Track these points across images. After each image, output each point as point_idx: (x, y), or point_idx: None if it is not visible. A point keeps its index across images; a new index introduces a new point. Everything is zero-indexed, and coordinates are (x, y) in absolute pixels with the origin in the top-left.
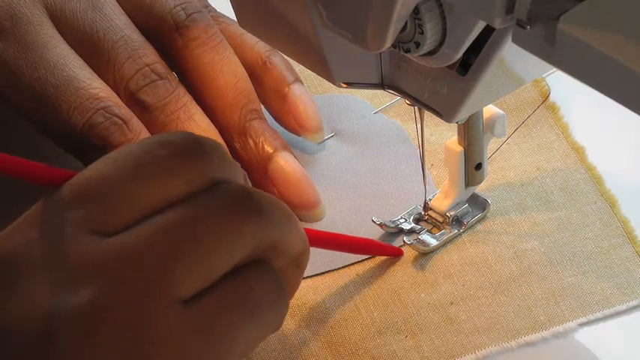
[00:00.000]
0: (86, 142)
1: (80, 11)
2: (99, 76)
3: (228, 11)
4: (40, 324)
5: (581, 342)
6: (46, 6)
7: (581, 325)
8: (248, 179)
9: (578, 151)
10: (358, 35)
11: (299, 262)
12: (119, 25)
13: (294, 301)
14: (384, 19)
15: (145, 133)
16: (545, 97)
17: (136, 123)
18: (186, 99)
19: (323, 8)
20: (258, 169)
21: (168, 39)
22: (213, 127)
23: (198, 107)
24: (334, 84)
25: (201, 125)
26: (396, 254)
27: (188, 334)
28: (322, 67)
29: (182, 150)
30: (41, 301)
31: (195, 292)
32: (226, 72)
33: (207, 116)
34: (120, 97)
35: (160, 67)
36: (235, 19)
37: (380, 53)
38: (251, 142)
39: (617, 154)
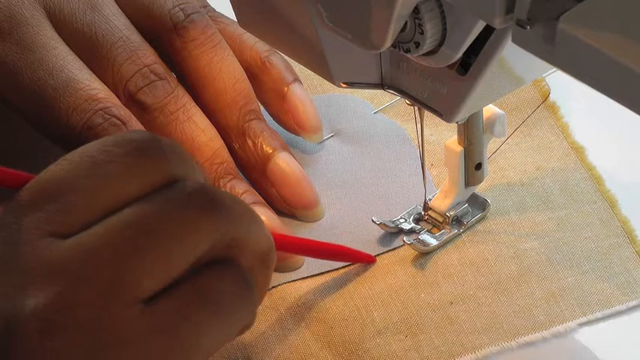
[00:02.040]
0: (85, 143)
1: (79, 12)
2: (98, 77)
3: (228, 11)
4: None
5: (581, 342)
6: (45, 7)
7: (581, 325)
8: (208, 179)
9: (578, 150)
10: (358, 35)
11: (265, 260)
12: (118, 25)
13: (294, 301)
14: (384, 18)
15: None
16: (545, 96)
17: (135, 124)
18: (186, 99)
19: (323, 8)
20: (257, 170)
21: (166, 40)
22: (213, 127)
23: (198, 108)
24: (334, 84)
25: (200, 125)
26: (368, 261)
27: (151, 334)
28: (322, 67)
29: (139, 148)
30: None
31: (156, 290)
32: (225, 73)
33: (207, 117)
34: (119, 98)
35: (159, 67)
36: (234, 19)
37: (380, 53)
38: (250, 142)
39: (617, 154)
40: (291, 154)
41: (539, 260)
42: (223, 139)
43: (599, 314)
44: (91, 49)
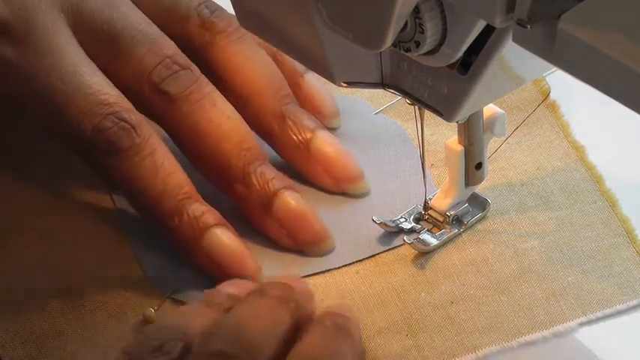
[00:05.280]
0: (96, 147)
1: (97, 11)
2: (120, 71)
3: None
4: None
5: (582, 341)
6: (63, 10)
7: (582, 324)
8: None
9: (579, 150)
10: (359, 34)
11: None
12: (136, 20)
13: None
14: (384, 18)
15: (154, 138)
16: (546, 96)
17: (145, 128)
18: (210, 88)
19: (323, 8)
20: (301, 149)
21: (196, 36)
22: (238, 114)
23: (222, 95)
24: (334, 83)
25: (225, 112)
26: None
27: None
28: (323, 66)
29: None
30: None
31: None
32: (256, 60)
33: (241, 104)
34: (143, 90)
35: (181, 57)
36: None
37: (380, 53)
38: (290, 123)
39: (618, 153)
40: (328, 131)
41: (539, 260)
42: (259, 123)
43: (599, 314)
44: (111, 45)
